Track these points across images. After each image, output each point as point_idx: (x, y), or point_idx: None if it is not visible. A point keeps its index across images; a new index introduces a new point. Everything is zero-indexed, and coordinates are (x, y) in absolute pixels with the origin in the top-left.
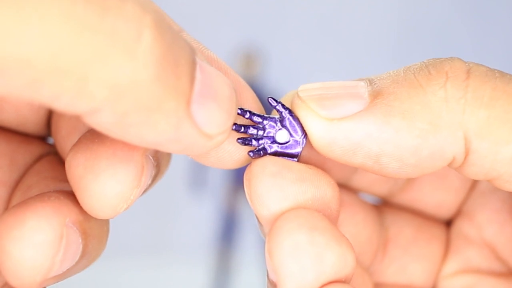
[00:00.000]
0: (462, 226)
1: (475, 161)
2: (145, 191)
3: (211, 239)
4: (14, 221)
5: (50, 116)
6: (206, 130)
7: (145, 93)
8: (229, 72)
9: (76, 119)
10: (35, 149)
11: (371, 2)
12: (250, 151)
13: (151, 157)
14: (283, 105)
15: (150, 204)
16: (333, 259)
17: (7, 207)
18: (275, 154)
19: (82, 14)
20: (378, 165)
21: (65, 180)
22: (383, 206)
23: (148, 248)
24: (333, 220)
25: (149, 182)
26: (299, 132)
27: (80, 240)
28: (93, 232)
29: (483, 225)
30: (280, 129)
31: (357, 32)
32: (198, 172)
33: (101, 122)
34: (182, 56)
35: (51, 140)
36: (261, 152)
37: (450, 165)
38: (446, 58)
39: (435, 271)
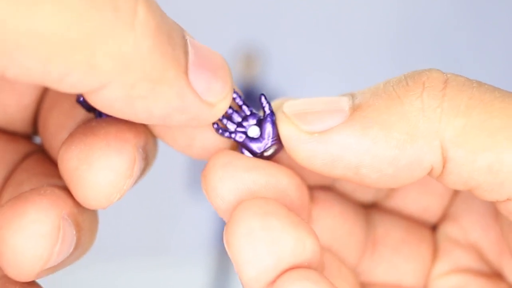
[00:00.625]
0: (448, 230)
1: (453, 169)
2: (135, 183)
3: (211, 240)
4: (13, 213)
5: (37, 114)
6: (207, 98)
7: (147, 62)
8: None
9: (65, 115)
10: (22, 148)
11: (371, 2)
12: (216, 126)
13: (141, 149)
14: (270, 108)
15: (150, 205)
16: (289, 243)
17: None
18: (242, 144)
19: None
20: (358, 176)
21: (56, 175)
22: (370, 207)
23: (147, 249)
24: (294, 207)
25: (139, 174)
26: (269, 138)
27: (74, 233)
28: (86, 225)
29: (467, 229)
30: (255, 125)
31: (357, 32)
32: (197, 173)
33: (109, 98)
34: (173, 29)
35: (37, 140)
36: (229, 134)
37: (429, 174)
38: (425, 70)
39: (425, 271)
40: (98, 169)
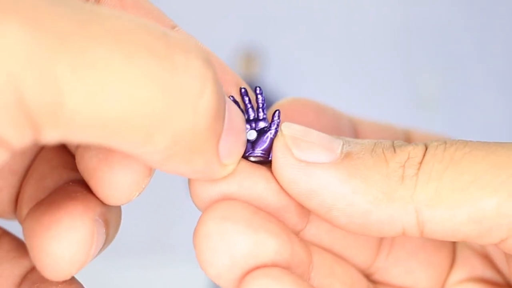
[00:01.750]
0: None
1: (435, 228)
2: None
3: None
4: (49, 221)
5: None
6: (225, 161)
7: (196, 140)
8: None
9: None
10: None
11: (371, 2)
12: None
13: None
14: (277, 128)
15: (151, 203)
16: (245, 245)
17: (19, 193)
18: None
19: (156, 73)
20: (328, 216)
21: (74, 168)
22: None
23: (148, 247)
24: (271, 210)
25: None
26: (260, 148)
27: (104, 230)
28: (113, 220)
29: None
30: (255, 129)
31: (357, 33)
32: None
33: (150, 160)
34: (223, 100)
35: None
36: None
37: (405, 234)
38: (412, 143)
39: (441, 279)
40: (119, 171)
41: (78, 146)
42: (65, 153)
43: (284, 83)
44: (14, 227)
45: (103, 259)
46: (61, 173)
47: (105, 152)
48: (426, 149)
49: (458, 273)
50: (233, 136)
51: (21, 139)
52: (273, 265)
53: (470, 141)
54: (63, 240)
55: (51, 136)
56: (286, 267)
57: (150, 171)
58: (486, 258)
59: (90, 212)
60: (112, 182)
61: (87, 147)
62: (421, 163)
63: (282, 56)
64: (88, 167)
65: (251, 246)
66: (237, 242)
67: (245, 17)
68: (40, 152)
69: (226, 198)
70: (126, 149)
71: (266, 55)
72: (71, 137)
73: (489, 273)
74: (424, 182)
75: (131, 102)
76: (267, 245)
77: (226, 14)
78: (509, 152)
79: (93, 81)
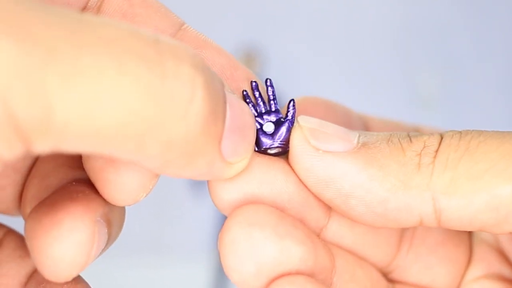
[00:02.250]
0: (482, 234)
1: (451, 216)
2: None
3: (212, 238)
4: (50, 222)
5: None
6: (230, 159)
7: (190, 144)
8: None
9: None
10: None
11: (370, 2)
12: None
13: None
14: (293, 115)
15: (151, 203)
16: (271, 253)
17: (22, 191)
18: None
19: (147, 80)
20: (345, 205)
21: (79, 167)
22: None
23: (148, 247)
24: (294, 204)
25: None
26: (278, 139)
27: (106, 230)
28: (115, 220)
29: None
30: (272, 122)
31: (356, 32)
32: None
33: (150, 167)
34: (219, 102)
35: None
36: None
37: (423, 223)
38: (427, 133)
39: (459, 275)
40: (125, 172)
41: None
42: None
43: (284, 82)
44: (17, 223)
45: (104, 259)
46: (65, 172)
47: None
48: (442, 138)
49: (476, 270)
50: (237, 135)
51: (12, 152)
52: (298, 272)
53: (485, 130)
54: (64, 242)
55: (42, 148)
56: (310, 274)
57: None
58: (502, 255)
59: (91, 213)
60: (118, 183)
61: None
62: (437, 151)
63: (282, 56)
64: (95, 168)
65: (277, 253)
66: (263, 249)
67: (245, 17)
68: None
69: (248, 198)
70: (121, 157)
71: (266, 55)
72: (63, 147)
73: (505, 270)
74: (440, 171)
75: (122, 110)
76: (293, 252)
77: (226, 13)
78: None
79: (84, 91)
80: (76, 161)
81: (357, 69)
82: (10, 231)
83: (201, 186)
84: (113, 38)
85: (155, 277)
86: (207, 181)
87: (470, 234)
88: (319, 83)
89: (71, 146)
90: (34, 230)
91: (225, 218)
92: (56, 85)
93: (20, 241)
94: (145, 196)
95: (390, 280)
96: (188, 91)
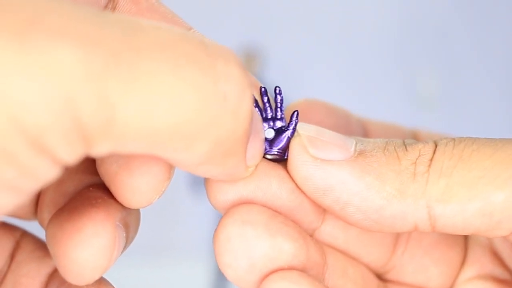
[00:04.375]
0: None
1: (446, 222)
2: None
3: (211, 238)
4: (72, 228)
5: None
6: (248, 163)
7: (234, 144)
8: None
9: None
10: None
11: (370, 2)
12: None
13: None
14: (294, 127)
15: (153, 204)
16: (263, 249)
17: (40, 198)
18: None
19: (202, 83)
20: (343, 212)
21: (94, 173)
22: None
23: (148, 247)
24: (286, 210)
25: (174, 172)
26: (277, 147)
27: (124, 234)
28: (132, 223)
29: None
30: (273, 128)
31: (356, 33)
32: None
33: (185, 164)
34: (252, 103)
35: None
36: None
37: (417, 229)
38: (421, 141)
39: (453, 275)
40: (139, 176)
41: None
42: (85, 158)
43: (284, 83)
44: (31, 227)
45: None
46: (81, 178)
47: (126, 157)
48: (436, 146)
49: (469, 271)
50: (257, 139)
51: (73, 155)
52: (290, 267)
53: (478, 138)
54: (87, 247)
55: (101, 149)
56: (302, 269)
57: (170, 174)
58: (495, 255)
59: (112, 219)
60: (132, 186)
61: None
62: (431, 160)
63: (282, 56)
64: (109, 172)
65: (269, 250)
66: (256, 246)
67: (245, 17)
68: None
69: (243, 199)
70: (168, 156)
71: (266, 55)
72: (120, 149)
73: (498, 271)
74: (435, 179)
75: (179, 112)
76: (284, 248)
77: (226, 14)
78: None
79: (144, 94)
80: (91, 166)
81: (357, 69)
82: (25, 233)
83: (201, 186)
84: (166, 42)
85: (155, 277)
86: (204, 180)
87: (464, 236)
88: (318, 83)
89: (127, 147)
90: (56, 237)
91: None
92: (119, 88)
93: (37, 242)
94: (158, 198)
95: (385, 280)
96: (238, 91)
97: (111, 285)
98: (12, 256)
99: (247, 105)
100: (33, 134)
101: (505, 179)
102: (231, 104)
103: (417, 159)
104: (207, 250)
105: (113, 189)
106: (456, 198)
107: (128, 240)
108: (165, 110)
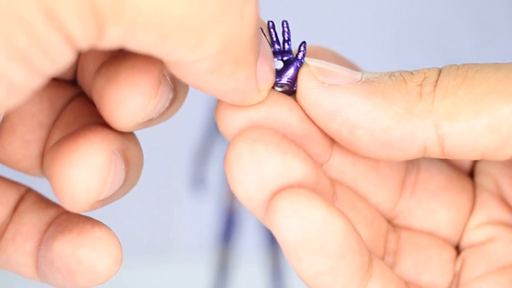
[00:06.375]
0: (483, 180)
1: (454, 142)
2: (162, 115)
3: (212, 238)
4: (68, 147)
5: (77, 62)
6: (260, 86)
7: (243, 46)
8: None
9: (99, 60)
10: (68, 92)
11: (370, 2)
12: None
13: (167, 77)
14: (303, 57)
15: (152, 203)
16: (273, 166)
17: (46, 146)
18: None
19: None
20: (352, 136)
21: (100, 116)
22: None
23: (148, 247)
24: (295, 137)
25: (166, 104)
26: (286, 77)
27: (123, 167)
28: (133, 160)
29: (498, 179)
30: (282, 60)
31: (356, 32)
32: (199, 171)
33: (196, 71)
34: (259, 19)
35: None
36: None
37: (427, 153)
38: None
39: (462, 221)
40: (125, 87)
41: (94, 73)
42: (91, 105)
43: None
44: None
45: None
46: (86, 120)
47: (115, 71)
48: (440, 70)
49: (478, 217)
50: (266, 63)
51: (86, 35)
52: (300, 186)
53: (479, 63)
54: (81, 164)
55: (112, 34)
56: (312, 190)
57: (156, 92)
58: (504, 201)
59: (109, 142)
60: (118, 99)
61: (99, 70)
62: (437, 81)
63: None
64: (98, 86)
65: (279, 167)
66: (267, 162)
67: None
68: (67, 106)
69: (253, 126)
70: (179, 56)
71: None
72: (130, 38)
73: (507, 217)
74: (441, 97)
75: (181, 2)
76: (295, 167)
77: None
78: None
79: None
80: (95, 112)
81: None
82: (30, 190)
83: (201, 186)
84: None
85: (155, 277)
86: (216, 107)
87: (472, 181)
88: None
89: (136, 38)
90: (52, 158)
91: (225, 216)
92: None
93: (39, 197)
94: (144, 118)
95: (394, 226)
96: None
97: (108, 228)
98: (15, 209)
99: (252, 7)
100: (48, 1)
101: (510, 93)
102: (237, 3)
103: (423, 81)
104: (207, 250)
105: (101, 107)
106: (463, 115)
107: (128, 178)
108: None
